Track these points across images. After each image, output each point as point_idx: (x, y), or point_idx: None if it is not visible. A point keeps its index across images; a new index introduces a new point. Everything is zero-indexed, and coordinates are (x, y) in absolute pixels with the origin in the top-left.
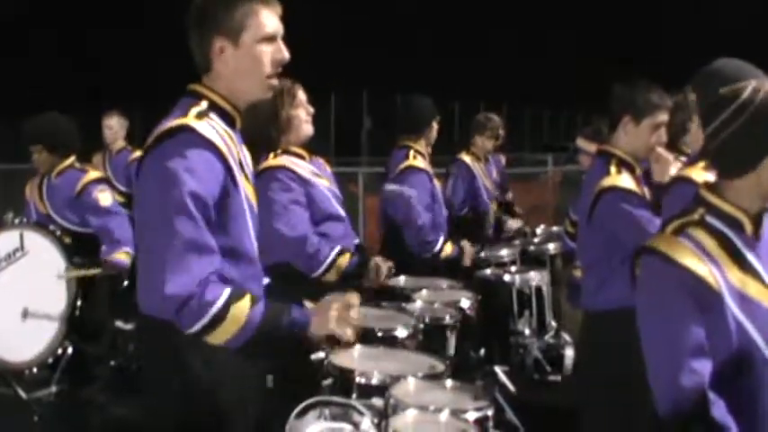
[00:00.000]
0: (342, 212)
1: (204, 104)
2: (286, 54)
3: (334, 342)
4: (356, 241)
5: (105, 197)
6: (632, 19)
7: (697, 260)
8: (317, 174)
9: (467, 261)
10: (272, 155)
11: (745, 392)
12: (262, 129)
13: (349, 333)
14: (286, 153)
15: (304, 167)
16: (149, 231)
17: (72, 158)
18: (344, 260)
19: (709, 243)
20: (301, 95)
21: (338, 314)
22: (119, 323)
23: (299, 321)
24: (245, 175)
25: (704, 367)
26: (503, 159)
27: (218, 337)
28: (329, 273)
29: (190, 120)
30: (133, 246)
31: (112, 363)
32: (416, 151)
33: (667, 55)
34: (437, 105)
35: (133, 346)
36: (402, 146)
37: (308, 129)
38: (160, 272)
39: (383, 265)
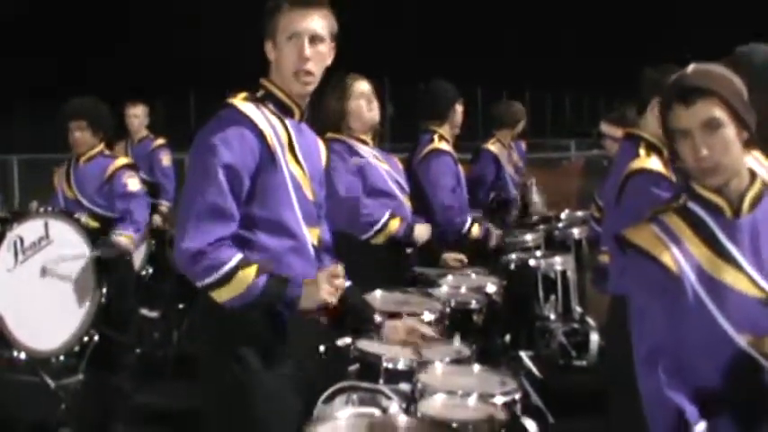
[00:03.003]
0: (398, 194)
1: (260, 93)
2: (305, 52)
3: (323, 312)
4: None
5: (134, 183)
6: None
7: (658, 243)
8: (378, 157)
9: (493, 241)
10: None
11: (708, 374)
12: (326, 122)
13: (335, 299)
14: (348, 136)
15: (364, 149)
16: (185, 193)
17: (102, 145)
18: (395, 225)
19: (681, 226)
20: (357, 87)
21: (328, 284)
22: (144, 311)
23: (293, 295)
24: (296, 159)
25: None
26: (523, 145)
27: (223, 294)
28: (379, 235)
29: (235, 100)
30: (140, 231)
31: (138, 350)
32: (441, 136)
33: (690, 35)
34: (460, 92)
35: (159, 334)
36: (426, 130)
37: (368, 117)
38: (182, 228)
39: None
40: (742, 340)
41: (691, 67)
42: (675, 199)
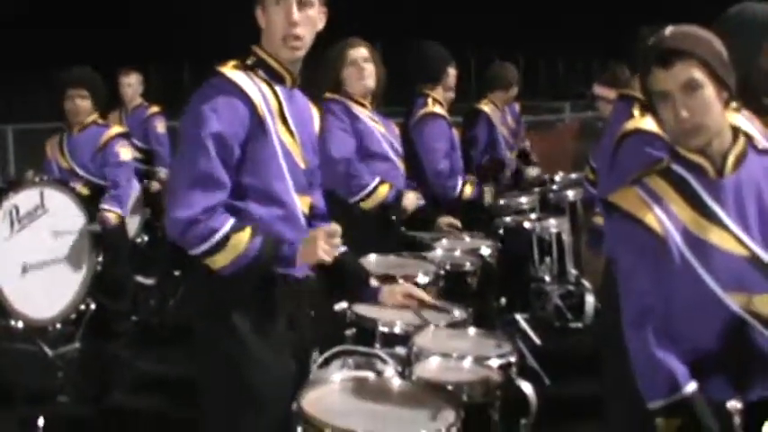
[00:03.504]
0: (392, 156)
1: (251, 60)
2: (293, 16)
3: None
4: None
5: (126, 152)
6: None
7: (642, 206)
8: (374, 120)
9: (487, 199)
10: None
11: (697, 334)
12: (324, 89)
13: (330, 258)
14: (346, 97)
15: (361, 111)
16: (175, 161)
17: (95, 114)
18: (384, 190)
19: (664, 188)
20: (350, 54)
21: (324, 242)
22: (140, 278)
23: (289, 253)
24: (287, 127)
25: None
26: (517, 107)
27: (218, 261)
28: (368, 200)
29: (225, 68)
30: (124, 205)
31: (134, 318)
32: (434, 99)
33: None
34: (453, 56)
35: (154, 301)
36: (420, 94)
37: (363, 84)
38: (173, 197)
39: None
40: (729, 299)
41: (668, 30)
42: (660, 162)
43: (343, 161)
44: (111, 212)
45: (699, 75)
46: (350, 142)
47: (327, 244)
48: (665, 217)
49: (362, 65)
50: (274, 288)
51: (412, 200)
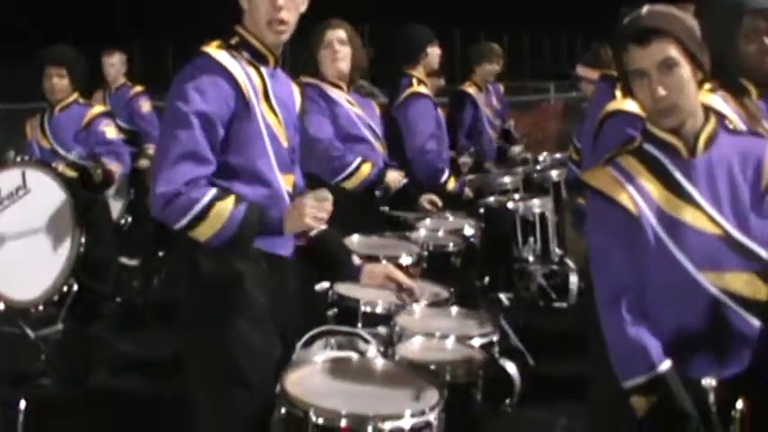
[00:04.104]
0: (370, 138)
1: (235, 40)
2: (278, 1)
3: (304, 235)
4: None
5: (111, 130)
6: None
7: (615, 185)
8: (351, 102)
9: (468, 194)
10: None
11: (671, 313)
12: (303, 69)
13: (322, 225)
14: (322, 80)
15: (337, 93)
16: (159, 142)
17: (76, 94)
18: (367, 169)
19: (637, 167)
20: (327, 36)
21: (313, 209)
22: (123, 259)
23: (275, 218)
24: (271, 107)
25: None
26: (501, 88)
27: (203, 232)
28: (350, 180)
29: (209, 48)
30: (125, 167)
31: (118, 299)
32: (419, 80)
33: None
34: (438, 36)
35: (138, 283)
36: (404, 74)
37: (335, 67)
38: (157, 173)
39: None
40: (703, 278)
41: (645, 9)
42: (632, 142)
43: (323, 142)
44: (112, 166)
45: (675, 53)
46: (328, 125)
47: (316, 208)
48: (638, 196)
49: (337, 47)
50: (260, 267)
51: (395, 177)
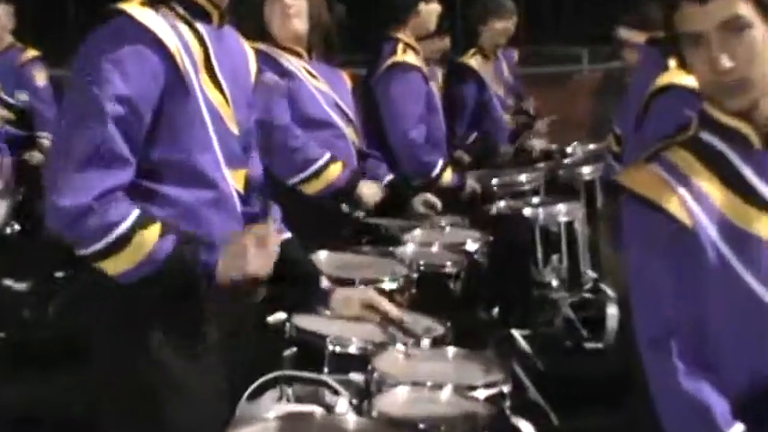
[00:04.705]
0: (337, 122)
1: None
2: None
3: (250, 285)
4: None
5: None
6: None
7: (662, 188)
8: (312, 73)
9: (468, 190)
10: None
11: (740, 356)
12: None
13: (269, 270)
14: (278, 47)
15: (292, 62)
16: (60, 132)
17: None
18: (336, 170)
19: (692, 163)
20: None
21: (256, 250)
22: (8, 282)
23: (209, 261)
24: (215, 81)
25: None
26: (515, 55)
27: (117, 265)
28: (312, 182)
29: (128, 4)
30: None
31: (1, 335)
32: (406, 45)
33: None
34: None
35: (29, 312)
36: (388, 38)
37: (288, 27)
38: (56, 176)
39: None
40: None
41: None
42: (686, 129)
43: (280, 128)
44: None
45: (745, 10)
46: (282, 105)
47: (261, 250)
48: (693, 202)
49: (287, 1)
50: (203, 294)
51: (371, 191)
